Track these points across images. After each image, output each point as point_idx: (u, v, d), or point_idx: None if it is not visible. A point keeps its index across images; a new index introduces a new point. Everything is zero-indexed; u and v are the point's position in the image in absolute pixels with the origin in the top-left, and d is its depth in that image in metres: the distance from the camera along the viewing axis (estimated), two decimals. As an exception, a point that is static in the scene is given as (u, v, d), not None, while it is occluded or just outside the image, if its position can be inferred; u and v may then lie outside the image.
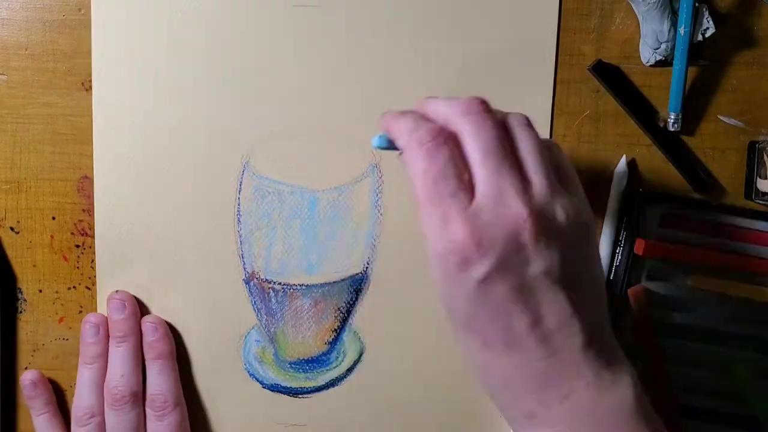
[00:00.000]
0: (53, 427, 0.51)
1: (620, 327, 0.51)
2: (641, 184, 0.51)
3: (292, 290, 0.51)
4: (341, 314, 0.52)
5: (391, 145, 0.41)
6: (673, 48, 0.49)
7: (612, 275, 0.51)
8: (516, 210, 0.36)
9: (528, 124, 0.39)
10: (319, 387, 0.53)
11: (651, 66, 0.50)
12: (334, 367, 0.52)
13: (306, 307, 0.52)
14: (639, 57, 0.50)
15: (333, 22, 0.49)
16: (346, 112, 0.50)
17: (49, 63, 0.50)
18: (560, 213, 0.37)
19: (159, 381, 0.50)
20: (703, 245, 0.50)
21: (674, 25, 0.48)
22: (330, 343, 0.52)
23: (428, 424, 0.53)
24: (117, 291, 0.51)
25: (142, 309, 0.51)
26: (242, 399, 0.52)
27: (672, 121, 0.49)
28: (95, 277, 0.51)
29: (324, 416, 0.53)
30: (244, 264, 0.51)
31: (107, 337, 0.50)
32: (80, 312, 0.52)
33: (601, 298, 0.40)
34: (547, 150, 0.39)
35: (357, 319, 0.52)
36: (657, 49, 0.49)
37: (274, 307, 0.51)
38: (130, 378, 0.49)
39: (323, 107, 0.50)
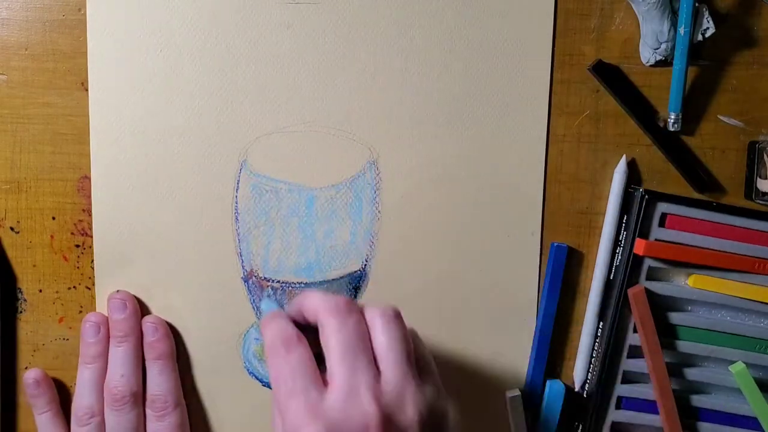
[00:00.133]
0: (55, 425, 0.51)
1: (621, 327, 0.51)
2: (641, 184, 0.51)
3: (290, 288, 0.51)
4: (340, 313, 0.52)
5: None
6: (673, 48, 0.49)
7: (612, 275, 0.51)
8: (366, 409, 0.38)
9: (395, 316, 0.42)
10: (318, 386, 0.53)
11: (651, 66, 0.50)
12: (334, 367, 0.52)
13: (305, 306, 0.52)
14: (639, 57, 0.50)
15: (329, 19, 0.49)
16: (342, 110, 0.50)
17: (49, 63, 0.50)
18: (411, 409, 0.39)
19: (159, 381, 0.50)
20: (703, 245, 0.50)
21: (674, 25, 0.48)
22: (329, 342, 0.52)
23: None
24: (118, 291, 0.51)
25: (141, 308, 0.51)
26: (242, 397, 0.52)
27: (672, 121, 0.49)
28: (95, 277, 0.51)
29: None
30: (243, 262, 0.51)
31: (107, 336, 0.50)
32: (80, 312, 0.52)
33: None
34: (408, 339, 0.41)
35: (356, 318, 0.52)
36: (657, 49, 0.49)
37: (273, 306, 0.51)
38: (131, 378, 0.49)
39: (320, 105, 0.50)
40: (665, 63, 0.49)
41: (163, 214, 0.50)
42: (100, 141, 0.50)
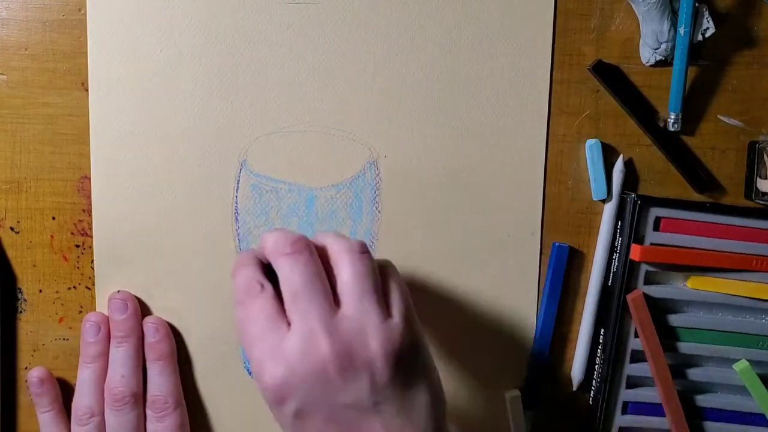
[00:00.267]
0: (58, 424, 0.51)
1: (622, 333, 0.51)
2: (637, 188, 0.51)
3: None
4: (341, 314, 0.52)
5: None
6: (673, 48, 0.49)
7: (610, 281, 0.51)
8: (322, 349, 0.38)
9: (360, 251, 0.41)
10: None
11: (651, 66, 0.50)
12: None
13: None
14: (639, 57, 0.50)
15: (329, 19, 0.49)
16: (342, 110, 0.50)
17: (48, 63, 0.50)
18: (373, 343, 0.39)
19: (160, 382, 0.50)
20: (699, 246, 0.50)
21: (674, 25, 0.48)
22: (329, 343, 0.52)
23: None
24: (119, 291, 0.51)
25: (141, 308, 0.51)
26: (242, 397, 0.52)
27: (672, 121, 0.49)
28: (95, 277, 0.51)
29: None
30: (243, 263, 0.51)
31: (108, 336, 0.50)
32: (80, 312, 0.52)
33: (435, 409, 0.40)
34: (374, 274, 0.41)
35: (356, 319, 0.52)
36: (657, 49, 0.49)
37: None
38: (131, 378, 0.49)
39: (320, 105, 0.50)
40: (665, 63, 0.49)
41: (163, 214, 0.50)
42: (100, 141, 0.50)
